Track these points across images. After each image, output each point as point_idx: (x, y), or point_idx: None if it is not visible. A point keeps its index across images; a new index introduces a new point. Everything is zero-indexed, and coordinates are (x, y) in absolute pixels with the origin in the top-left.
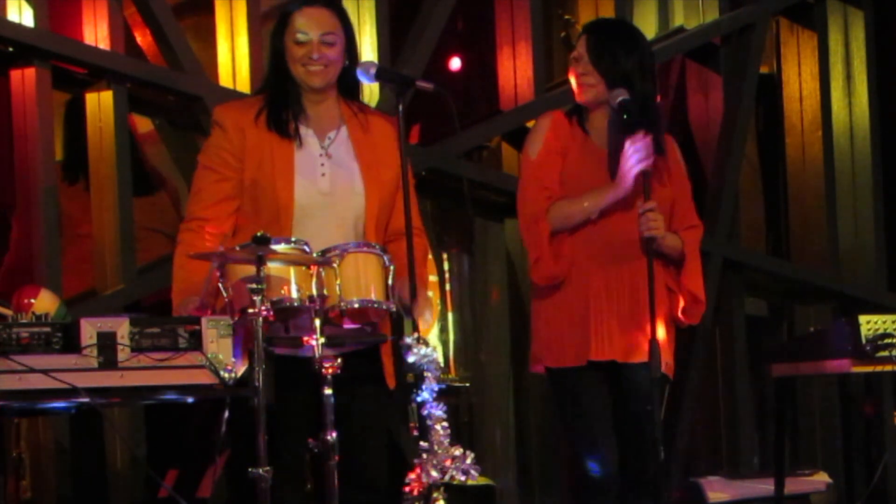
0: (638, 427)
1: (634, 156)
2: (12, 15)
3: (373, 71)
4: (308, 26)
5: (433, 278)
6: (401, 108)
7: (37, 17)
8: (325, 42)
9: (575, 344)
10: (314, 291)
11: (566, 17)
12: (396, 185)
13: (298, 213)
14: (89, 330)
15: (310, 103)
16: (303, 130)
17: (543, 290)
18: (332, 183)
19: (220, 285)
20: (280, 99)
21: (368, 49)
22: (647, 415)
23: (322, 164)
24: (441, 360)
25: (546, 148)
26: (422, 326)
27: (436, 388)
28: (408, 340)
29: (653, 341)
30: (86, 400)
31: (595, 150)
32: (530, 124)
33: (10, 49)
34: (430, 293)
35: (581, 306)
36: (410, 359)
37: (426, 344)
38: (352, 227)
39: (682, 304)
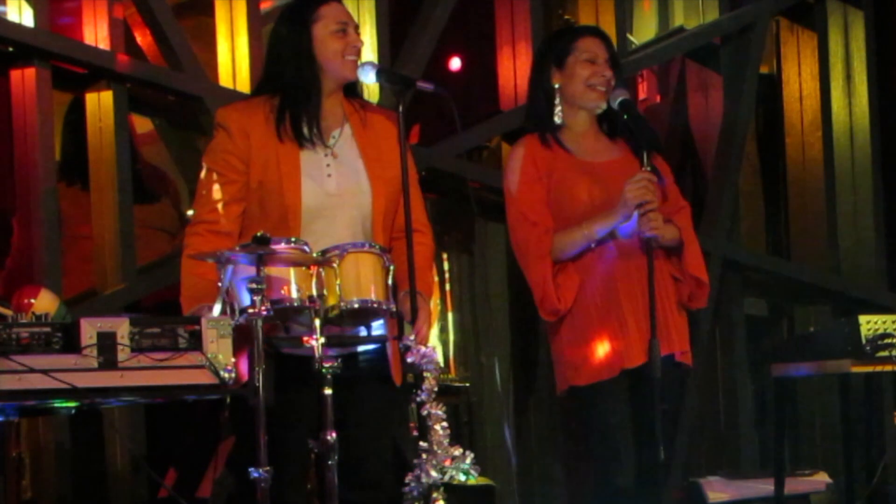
0: (660, 421)
1: (636, 192)
2: (12, 15)
3: (373, 71)
4: (345, 17)
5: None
6: (401, 108)
7: (37, 17)
8: (358, 32)
9: (605, 357)
10: (314, 291)
11: (566, 17)
12: (397, 178)
13: (306, 215)
14: (89, 330)
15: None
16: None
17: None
18: (338, 184)
19: (219, 285)
20: (300, 100)
21: (368, 49)
22: (664, 412)
23: (328, 165)
24: (441, 360)
25: (524, 178)
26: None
27: (435, 389)
28: (408, 341)
29: (653, 341)
30: (86, 400)
31: (581, 163)
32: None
33: (10, 49)
34: (431, 301)
35: (602, 319)
36: (410, 359)
37: (426, 344)
38: (360, 225)
39: (687, 291)
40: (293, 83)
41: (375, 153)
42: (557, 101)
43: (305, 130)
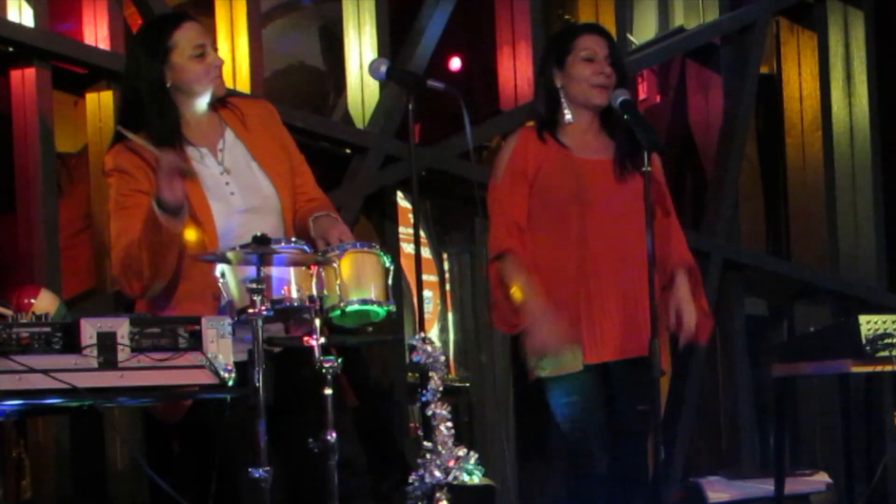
0: (631, 424)
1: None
2: (12, 15)
3: (383, 69)
4: (200, 37)
5: (433, 278)
6: (411, 106)
7: (37, 17)
8: (216, 49)
9: (571, 351)
10: (314, 291)
11: (566, 17)
12: (291, 167)
13: (222, 238)
14: (89, 330)
15: (194, 121)
16: (201, 152)
17: None
18: (244, 199)
19: (220, 286)
20: (172, 130)
21: (368, 49)
22: (640, 412)
23: (227, 184)
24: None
25: (510, 170)
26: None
27: (441, 389)
28: (413, 341)
29: (653, 341)
30: (86, 400)
31: (571, 158)
32: (530, 124)
33: (10, 49)
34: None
35: (572, 312)
36: (416, 358)
37: (432, 344)
38: (280, 228)
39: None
40: (156, 123)
41: (263, 150)
42: (563, 100)
43: (190, 152)
